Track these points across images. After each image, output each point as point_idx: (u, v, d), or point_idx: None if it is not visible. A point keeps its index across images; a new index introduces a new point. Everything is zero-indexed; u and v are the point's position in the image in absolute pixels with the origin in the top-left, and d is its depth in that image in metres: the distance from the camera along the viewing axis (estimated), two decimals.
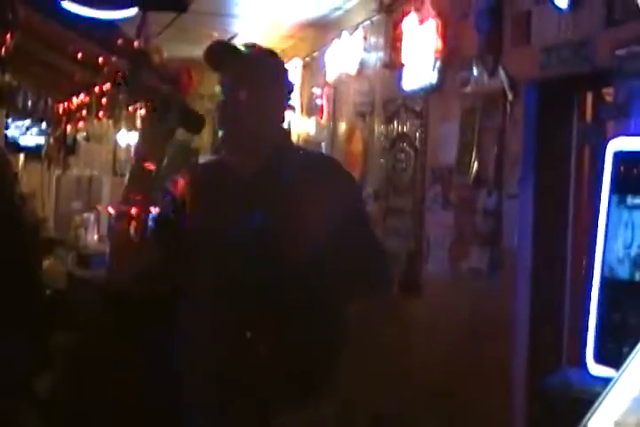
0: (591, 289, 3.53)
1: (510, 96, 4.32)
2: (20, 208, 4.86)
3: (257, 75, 2.70)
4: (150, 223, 2.90)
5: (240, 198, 2.62)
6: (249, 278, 2.52)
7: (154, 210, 6.78)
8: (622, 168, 3.47)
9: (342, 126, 6.92)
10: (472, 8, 4.66)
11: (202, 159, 9.88)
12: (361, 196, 2.94)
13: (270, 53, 2.88)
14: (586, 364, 3.48)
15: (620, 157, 3.47)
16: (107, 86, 7.05)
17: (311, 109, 7.51)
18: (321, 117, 7.26)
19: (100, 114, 8.10)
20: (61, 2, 4.68)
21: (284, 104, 2.78)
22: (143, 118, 6.50)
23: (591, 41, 3.68)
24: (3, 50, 5.50)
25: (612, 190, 3.50)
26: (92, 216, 8.65)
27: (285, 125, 2.92)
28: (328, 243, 2.50)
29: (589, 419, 2.73)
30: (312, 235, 2.48)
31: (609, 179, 3.51)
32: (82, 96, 8.26)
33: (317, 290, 2.52)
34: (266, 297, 2.48)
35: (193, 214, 2.68)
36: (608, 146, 3.52)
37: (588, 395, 2.97)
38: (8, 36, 5.39)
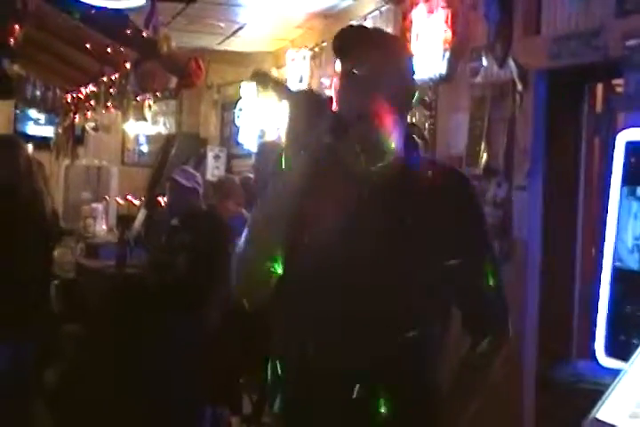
0: (601, 280, 3.53)
1: (520, 86, 4.31)
2: (44, 200, 4.89)
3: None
4: None
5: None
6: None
7: (162, 199, 6.77)
8: (633, 159, 3.47)
9: None
10: None
11: (210, 149, 9.92)
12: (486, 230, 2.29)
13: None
14: (595, 355, 3.48)
15: (630, 148, 3.47)
16: (115, 76, 7.05)
17: None
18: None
19: (109, 104, 8.10)
20: None
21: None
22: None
23: (602, 31, 3.66)
24: (12, 40, 5.51)
25: (623, 181, 3.49)
26: (100, 206, 8.66)
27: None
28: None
29: (598, 410, 2.73)
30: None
31: (619, 170, 3.50)
32: (90, 86, 8.26)
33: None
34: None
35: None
36: (618, 137, 3.51)
37: (598, 386, 2.97)
38: (17, 26, 5.40)
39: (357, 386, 2.08)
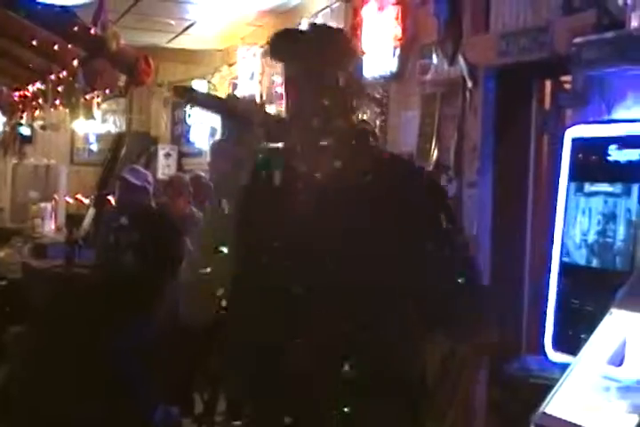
0: (550, 276, 3.56)
1: (470, 83, 4.34)
2: None
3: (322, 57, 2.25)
4: None
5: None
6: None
7: (111, 198, 6.72)
8: (580, 156, 3.50)
9: None
10: None
11: (161, 148, 9.85)
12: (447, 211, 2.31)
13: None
14: (545, 350, 3.51)
15: (577, 144, 3.50)
16: (63, 74, 6.97)
17: (271, 97, 7.48)
18: (280, 105, 7.23)
19: (57, 102, 8.01)
20: None
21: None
22: None
23: (549, 28, 3.69)
24: None
25: (571, 178, 3.53)
26: (49, 206, 8.56)
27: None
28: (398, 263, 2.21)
29: (547, 404, 2.76)
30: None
31: (567, 166, 3.54)
32: (38, 84, 8.15)
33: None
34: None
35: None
36: (566, 134, 3.55)
37: (547, 381, 3.00)
38: None
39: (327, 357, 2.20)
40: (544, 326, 3.57)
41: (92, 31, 5.96)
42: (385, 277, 2.22)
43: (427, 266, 2.25)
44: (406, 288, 2.26)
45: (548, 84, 4.19)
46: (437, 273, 2.26)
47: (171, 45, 9.16)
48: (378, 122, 5.52)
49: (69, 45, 6.04)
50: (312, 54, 2.26)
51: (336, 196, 2.24)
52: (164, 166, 9.60)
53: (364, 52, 2.50)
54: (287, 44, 2.32)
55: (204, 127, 9.21)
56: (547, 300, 3.57)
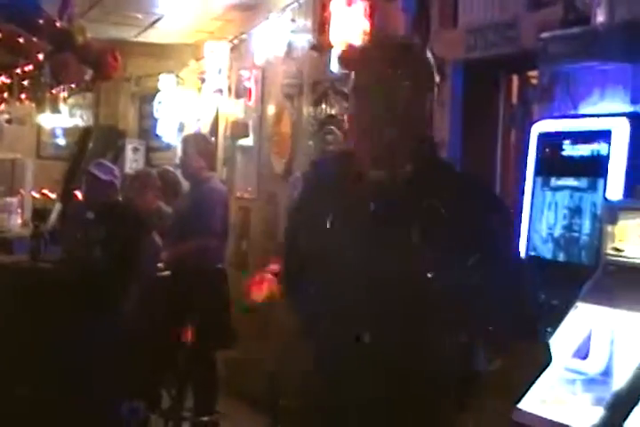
0: None
1: (437, 78, 4.34)
2: None
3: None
4: None
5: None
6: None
7: (78, 193, 6.67)
8: (547, 150, 3.53)
9: (271, 108, 6.89)
10: None
11: (128, 142, 9.80)
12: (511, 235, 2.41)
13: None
14: None
15: (544, 139, 3.53)
16: (28, 68, 6.89)
17: (239, 92, 7.46)
18: (249, 100, 7.22)
19: (23, 96, 7.92)
20: None
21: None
22: None
23: (516, 23, 3.71)
24: None
25: (537, 172, 3.55)
26: (15, 200, 8.48)
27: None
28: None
29: None
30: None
31: (533, 161, 3.56)
32: (2, 78, 8.07)
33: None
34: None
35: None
36: (533, 128, 3.57)
37: None
38: None
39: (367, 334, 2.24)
40: None
41: (58, 25, 5.90)
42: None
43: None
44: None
45: (516, 78, 4.21)
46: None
47: (138, 39, 9.10)
48: (346, 116, 5.52)
49: (35, 39, 5.97)
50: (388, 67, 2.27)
51: (406, 214, 2.25)
52: (132, 161, 9.55)
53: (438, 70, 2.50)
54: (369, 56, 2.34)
55: (172, 122, 9.17)
56: None
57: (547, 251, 3.47)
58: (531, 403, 2.76)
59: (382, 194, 2.28)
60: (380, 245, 2.25)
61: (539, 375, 2.51)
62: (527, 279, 2.36)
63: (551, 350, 2.40)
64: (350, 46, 2.37)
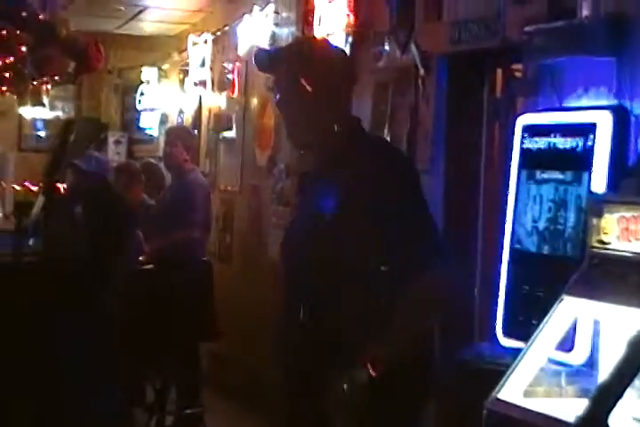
0: (501, 262, 3.60)
1: (422, 71, 4.35)
2: None
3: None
4: None
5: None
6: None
7: (61, 186, 6.64)
8: (531, 144, 3.54)
9: (254, 101, 6.88)
10: None
11: (111, 134, 9.76)
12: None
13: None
14: (496, 337, 3.55)
15: (528, 132, 3.54)
16: (10, 60, 6.86)
17: (222, 84, 7.44)
18: (232, 92, 7.20)
19: (4, 88, 7.88)
20: None
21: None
22: None
23: (501, 17, 3.72)
24: None
25: (522, 165, 3.57)
26: None
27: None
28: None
29: (499, 390, 2.79)
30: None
31: (518, 154, 3.57)
32: None
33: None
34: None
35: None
36: (517, 121, 3.59)
37: (499, 367, 3.04)
38: None
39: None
40: (495, 313, 3.61)
41: (41, 17, 5.88)
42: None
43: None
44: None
45: (500, 72, 4.22)
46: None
47: (121, 31, 9.07)
48: None
49: (18, 31, 5.94)
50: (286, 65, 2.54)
51: (324, 188, 2.50)
52: (115, 153, 9.51)
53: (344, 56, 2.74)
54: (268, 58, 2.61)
55: (154, 114, 9.14)
56: (498, 287, 3.61)
57: (531, 244, 3.49)
58: (514, 394, 2.78)
59: (309, 179, 2.63)
60: (306, 227, 2.54)
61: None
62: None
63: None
64: (258, 50, 2.65)
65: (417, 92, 4.45)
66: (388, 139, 4.67)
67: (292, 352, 2.58)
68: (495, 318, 3.61)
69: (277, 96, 2.60)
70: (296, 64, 2.52)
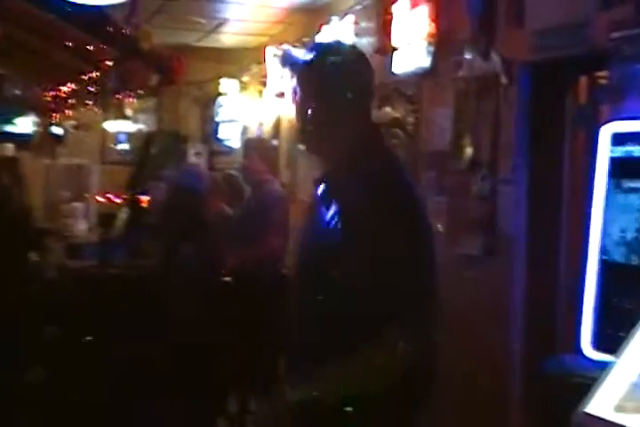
0: (587, 274, 3.53)
1: (504, 80, 4.31)
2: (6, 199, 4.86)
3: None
4: None
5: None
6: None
7: (144, 198, 6.71)
8: (618, 152, 3.47)
9: None
10: None
11: (191, 146, 9.88)
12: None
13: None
14: (582, 349, 3.48)
15: (615, 140, 3.47)
16: (96, 74, 7.00)
17: None
18: None
19: (89, 102, 8.05)
20: None
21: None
22: None
23: (586, 24, 3.66)
24: None
25: (608, 174, 3.49)
26: (81, 205, 8.60)
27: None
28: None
29: (587, 404, 2.73)
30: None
31: (604, 162, 3.50)
32: (70, 84, 8.20)
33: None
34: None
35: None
36: (603, 129, 3.51)
37: (586, 380, 2.97)
38: None
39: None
40: (581, 325, 3.54)
41: (125, 31, 5.98)
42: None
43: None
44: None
45: (584, 79, 4.15)
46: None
47: (201, 44, 9.18)
48: (411, 119, 5.51)
49: (102, 46, 6.06)
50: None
51: (325, 196, 2.52)
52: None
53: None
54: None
55: (234, 126, 9.23)
56: (584, 298, 3.54)
57: (619, 254, 3.41)
58: (604, 409, 2.72)
59: (322, 187, 2.60)
60: (311, 235, 2.57)
61: None
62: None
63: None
64: (286, 53, 2.69)
65: (498, 101, 4.40)
66: (470, 150, 4.64)
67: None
68: (581, 330, 3.54)
69: (297, 97, 2.61)
70: (317, 69, 2.54)
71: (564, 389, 3.19)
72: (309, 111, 2.56)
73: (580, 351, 3.46)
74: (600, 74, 3.93)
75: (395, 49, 5.50)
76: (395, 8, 5.49)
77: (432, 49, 5.09)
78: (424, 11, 5.10)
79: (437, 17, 5.04)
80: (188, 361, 4.83)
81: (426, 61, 5.14)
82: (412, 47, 5.27)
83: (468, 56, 4.68)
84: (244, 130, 8.95)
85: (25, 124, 10.31)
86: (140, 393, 4.94)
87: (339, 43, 2.79)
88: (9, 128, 10.47)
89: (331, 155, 2.58)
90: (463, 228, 4.69)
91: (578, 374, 3.23)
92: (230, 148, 9.38)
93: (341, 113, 2.54)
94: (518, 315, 4.23)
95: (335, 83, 2.53)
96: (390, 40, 5.58)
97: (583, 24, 3.66)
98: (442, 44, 5.02)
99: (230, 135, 9.34)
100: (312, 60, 2.57)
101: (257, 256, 5.71)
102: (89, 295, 5.39)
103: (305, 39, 7.45)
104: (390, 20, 5.57)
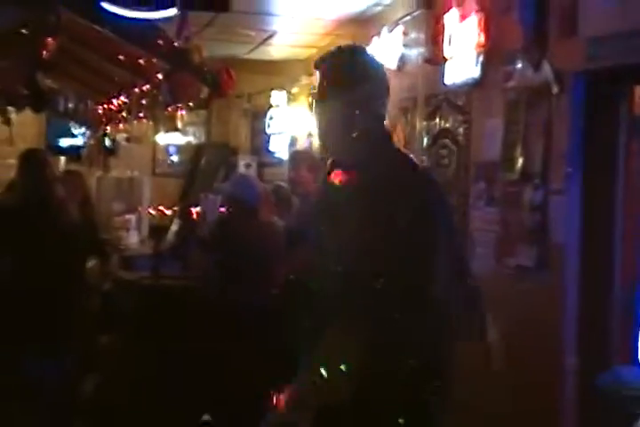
0: None
1: (555, 89, 4.27)
2: (60, 209, 4.93)
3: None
4: None
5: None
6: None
7: (198, 209, 6.74)
8: None
9: None
10: (515, 1, 4.61)
11: (241, 158, 9.93)
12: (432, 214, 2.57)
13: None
14: (639, 362, 3.44)
15: None
16: (147, 87, 7.08)
17: None
18: None
19: (140, 115, 8.13)
20: (101, 2, 4.70)
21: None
22: None
23: None
24: (45, 53, 5.55)
25: None
26: (133, 217, 8.68)
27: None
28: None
29: None
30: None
31: None
32: (122, 97, 8.30)
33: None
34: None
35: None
36: None
37: None
38: (50, 39, 5.44)
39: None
40: (637, 337, 3.50)
41: (176, 44, 6.04)
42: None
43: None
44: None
45: (638, 88, 4.10)
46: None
47: (251, 56, 9.24)
48: (461, 130, 5.49)
49: (153, 59, 6.13)
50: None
51: (347, 196, 2.63)
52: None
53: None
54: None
55: (283, 138, 9.26)
56: (638, 310, 3.50)
57: None
58: None
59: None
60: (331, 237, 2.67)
61: None
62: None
63: None
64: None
65: (550, 112, 4.36)
66: (521, 161, 4.60)
67: None
68: (637, 342, 3.49)
69: (316, 99, 2.76)
70: (332, 72, 2.70)
71: (621, 401, 3.15)
72: (328, 108, 2.68)
73: (636, 364, 3.42)
74: None
75: (445, 59, 5.49)
76: (445, 18, 5.48)
77: (482, 59, 5.07)
78: (474, 21, 5.08)
79: (488, 27, 5.02)
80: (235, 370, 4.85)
81: (476, 72, 5.12)
82: (462, 57, 5.25)
83: (518, 66, 4.65)
84: (293, 141, 8.98)
85: (78, 137, 10.46)
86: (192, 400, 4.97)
87: (357, 49, 2.89)
88: (62, 141, 10.64)
89: (342, 153, 2.71)
90: (515, 239, 4.65)
91: (634, 386, 3.19)
92: (279, 159, 9.42)
93: (354, 115, 2.65)
94: (572, 327, 4.18)
95: (349, 85, 2.66)
96: (440, 50, 5.56)
97: (638, 32, 3.62)
98: (492, 54, 5.00)
99: (280, 147, 9.38)
100: (331, 63, 2.72)
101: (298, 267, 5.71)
102: (142, 305, 5.44)
103: None
104: (440, 31, 5.55)
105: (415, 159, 2.78)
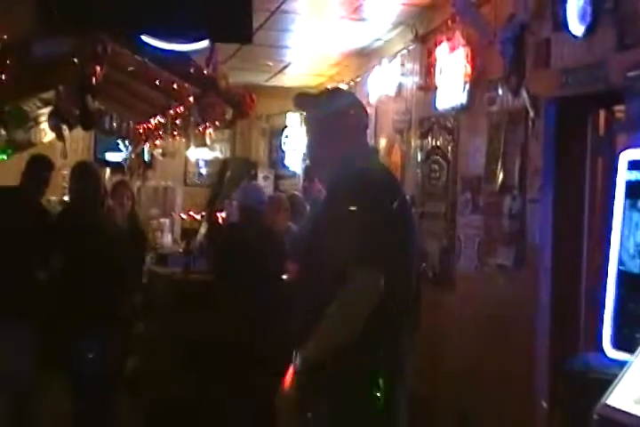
0: (606, 282, 3.47)
1: (532, 113, 4.27)
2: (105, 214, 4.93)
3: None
4: None
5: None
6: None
7: (223, 214, 6.71)
8: (633, 175, 3.41)
9: (383, 141, 6.89)
10: (497, 37, 4.60)
11: (260, 171, 9.94)
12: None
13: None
14: (603, 348, 3.41)
15: (631, 165, 3.41)
16: (180, 109, 7.09)
17: None
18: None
19: (175, 133, 8.15)
20: (142, 37, 4.71)
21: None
22: None
23: (604, 63, 3.61)
24: (94, 80, 5.57)
25: (625, 195, 3.43)
26: (167, 221, 8.70)
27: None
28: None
29: (608, 397, 2.67)
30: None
31: (622, 185, 3.44)
32: (159, 118, 8.31)
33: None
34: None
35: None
36: (621, 156, 3.46)
37: (606, 376, 2.91)
38: (98, 67, 5.46)
39: None
40: (601, 326, 3.47)
41: (205, 72, 6.05)
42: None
43: None
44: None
45: (602, 113, 4.09)
46: None
47: (269, 83, 9.25)
48: (450, 148, 5.48)
49: (186, 84, 6.14)
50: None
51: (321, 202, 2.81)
52: (263, 187, 9.67)
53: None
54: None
55: (297, 153, 9.27)
56: (604, 303, 3.47)
57: (634, 266, 3.35)
58: (624, 402, 2.65)
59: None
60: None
61: None
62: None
63: None
64: (298, 94, 2.87)
65: (527, 132, 4.36)
66: (501, 174, 4.59)
67: None
68: (601, 331, 3.47)
69: (306, 130, 2.83)
70: (315, 109, 2.76)
71: (587, 384, 3.12)
72: (315, 138, 2.77)
73: (600, 350, 3.39)
74: (617, 108, 3.88)
75: (436, 87, 5.49)
76: (437, 51, 5.47)
77: (468, 87, 5.07)
78: (462, 53, 5.08)
79: (473, 59, 5.01)
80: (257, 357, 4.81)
81: (463, 98, 5.12)
82: (451, 85, 5.25)
83: (500, 93, 4.65)
84: (305, 157, 8.98)
85: (121, 152, 10.48)
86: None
87: (337, 90, 3.07)
88: (108, 155, 10.66)
89: (325, 175, 2.76)
90: (496, 241, 4.64)
91: (599, 370, 3.17)
92: (294, 172, 9.43)
93: (337, 145, 2.70)
94: (545, 318, 4.17)
95: (332, 122, 2.73)
96: (432, 79, 5.57)
97: (602, 64, 3.61)
98: (477, 82, 5.00)
99: (294, 161, 9.40)
100: (315, 105, 2.78)
101: None
102: (176, 296, 5.44)
103: (358, 79, 7.47)
104: (433, 62, 5.56)
105: (390, 174, 2.83)
